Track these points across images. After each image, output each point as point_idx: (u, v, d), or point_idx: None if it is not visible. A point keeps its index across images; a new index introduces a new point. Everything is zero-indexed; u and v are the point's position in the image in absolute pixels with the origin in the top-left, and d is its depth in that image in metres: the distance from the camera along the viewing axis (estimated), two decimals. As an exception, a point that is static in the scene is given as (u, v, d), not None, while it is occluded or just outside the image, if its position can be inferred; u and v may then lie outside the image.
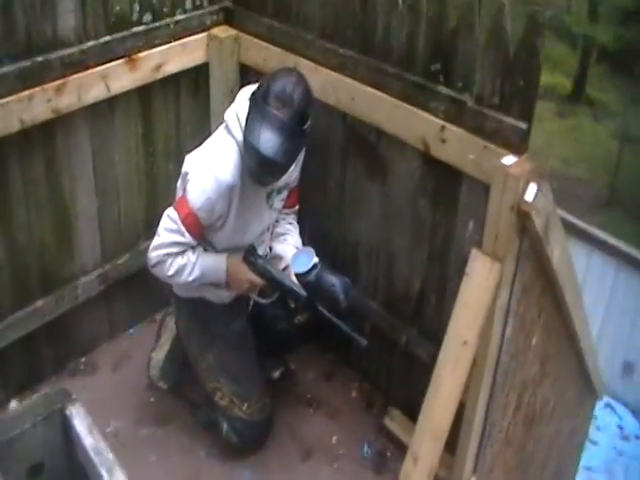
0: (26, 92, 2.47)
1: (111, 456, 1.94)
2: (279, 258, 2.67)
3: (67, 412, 2.10)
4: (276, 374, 3.01)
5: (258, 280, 2.52)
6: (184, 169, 2.45)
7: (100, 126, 2.80)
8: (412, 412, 2.55)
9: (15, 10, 2.38)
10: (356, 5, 2.49)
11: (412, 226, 2.61)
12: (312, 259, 2.48)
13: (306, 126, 2.32)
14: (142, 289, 3.06)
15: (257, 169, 2.32)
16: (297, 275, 2.48)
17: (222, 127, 2.48)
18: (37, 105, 2.50)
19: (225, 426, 2.70)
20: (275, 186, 2.52)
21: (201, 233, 2.45)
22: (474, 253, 2.23)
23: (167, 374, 2.94)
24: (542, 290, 2.45)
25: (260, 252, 2.58)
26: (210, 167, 2.36)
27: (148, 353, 2.96)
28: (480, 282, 2.21)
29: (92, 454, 1.95)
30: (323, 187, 2.89)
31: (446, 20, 2.24)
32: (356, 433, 2.91)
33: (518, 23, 2.02)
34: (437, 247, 2.55)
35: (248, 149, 2.29)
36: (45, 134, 2.63)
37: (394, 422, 2.89)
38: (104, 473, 1.88)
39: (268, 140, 2.23)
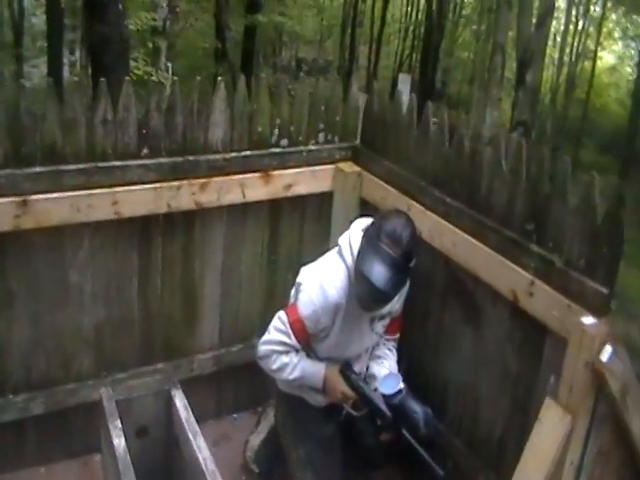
0: (175, 182, 2.91)
1: (197, 427, 2.59)
2: (373, 378, 2.86)
3: (172, 393, 2.73)
4: None
5: (350, 393, 2.72)
6: (298, 279, 2.74)
7: (233, 226, 3.19)
8: None
9: (176, 113, 2.85)
10: (465, 162, 2.74)
11: (499, 373, 2.71)
12: (398, 384, 2.70)
13: (411, 264, 2.57)
14: (251, 380, 3.31)
15: (365, 296, 2.57)
16: (383, 396, 2.68)
17: (335, 250, 2.77)
18: (183, 195, 2.94)
19: None
20: (379, 313, 2.75)
21: (306, 339, 2.70)
22: (547, 402, 2.33)
23: (260, 459, 3.18)
24: (623, 460, 2.44)
25: (357, 369, 2.79)
26: (320, 283, 2.63)
27: (247, 436, 3.21)
28: (550, 430, 2.29)
29: (184, 423, 2.60)
30: (423, 323, 3.06)
31: (542, 185, 2.42)
32: None
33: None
34: (520, 396, 2.62)
35: (359, 278, 2.55)
36: (186, 221, 3.05)
37: None
38: (190, 436, 2.54)
39: (379, 272, 2.49)
